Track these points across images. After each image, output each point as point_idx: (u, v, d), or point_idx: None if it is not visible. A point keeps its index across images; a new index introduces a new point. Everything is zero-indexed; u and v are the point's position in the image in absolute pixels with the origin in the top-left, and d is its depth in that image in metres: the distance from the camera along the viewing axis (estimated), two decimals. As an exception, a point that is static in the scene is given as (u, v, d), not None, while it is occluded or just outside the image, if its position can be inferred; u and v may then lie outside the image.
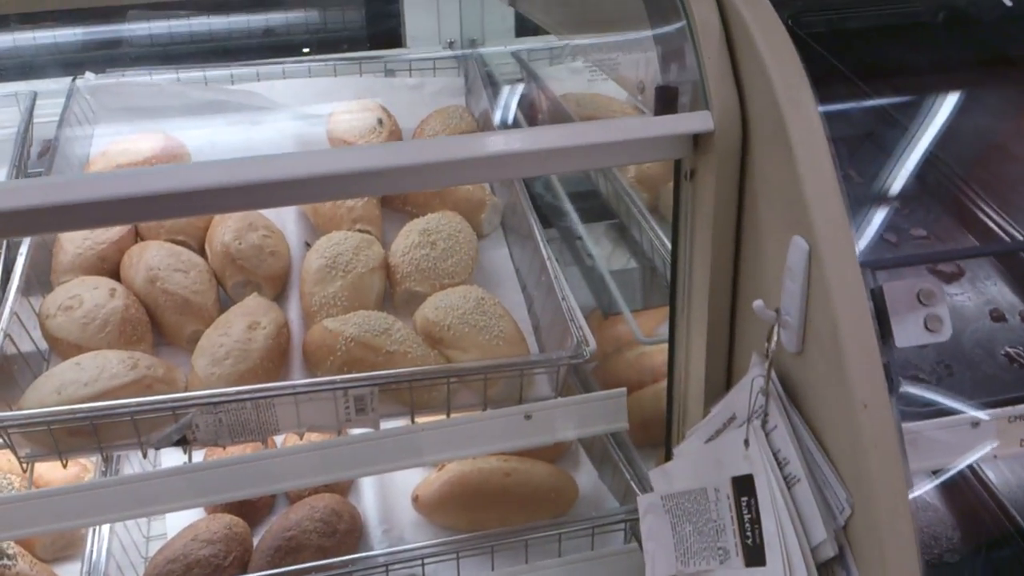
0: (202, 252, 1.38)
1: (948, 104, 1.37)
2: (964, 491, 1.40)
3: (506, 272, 1.44)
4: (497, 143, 0.94)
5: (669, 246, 1.25)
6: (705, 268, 1.01)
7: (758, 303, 0.90)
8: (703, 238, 1.01)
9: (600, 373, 1.52)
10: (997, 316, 1.24)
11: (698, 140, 0.99)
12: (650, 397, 1.43)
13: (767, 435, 0.91)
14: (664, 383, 1.19)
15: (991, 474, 1.41)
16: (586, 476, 1.49)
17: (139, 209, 0.88)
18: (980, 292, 1.28)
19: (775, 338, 0.90)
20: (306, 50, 1.81)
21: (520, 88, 1.68)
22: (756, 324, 0.97)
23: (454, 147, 0.93)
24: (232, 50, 1.77)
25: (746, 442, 0.92)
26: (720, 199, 0.97)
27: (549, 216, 1.61)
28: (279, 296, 1.36)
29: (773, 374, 0.91)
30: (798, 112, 0.88)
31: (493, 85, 1.70)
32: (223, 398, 1.11)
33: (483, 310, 1.26)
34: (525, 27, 1.87)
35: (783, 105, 0.89)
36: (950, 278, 1.30)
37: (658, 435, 1.22)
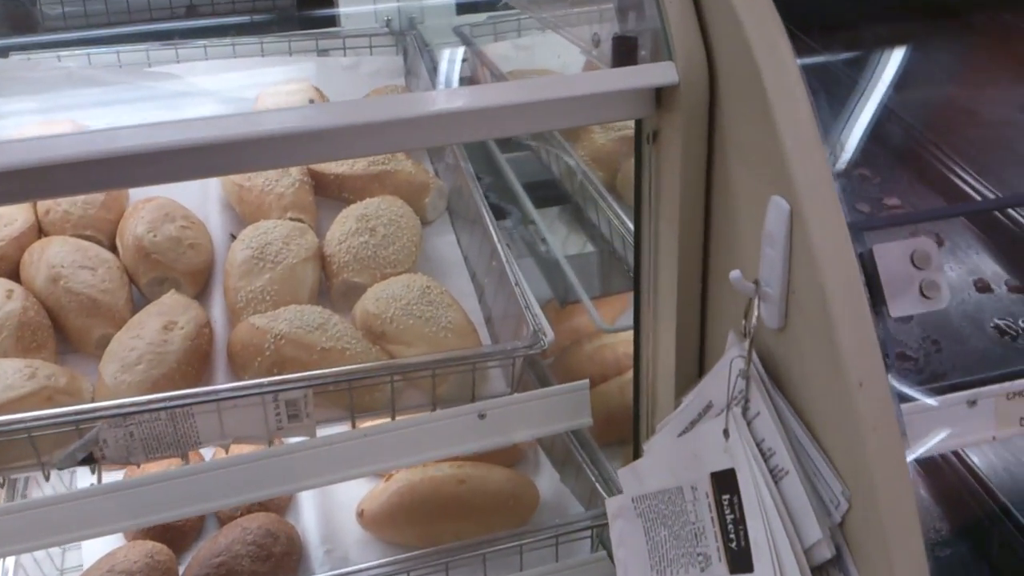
0: (113, 248, 1.24)
1: (899, 61, 1.29)
2: (950, 477, 1.32)
3: (454, 259, 1.33)
4: (438, 101, 0.83)
5: (630, 226, 1.15)
6: (672, 242, 0.91)
7: (735, 274, 0.80)
8: (670, 208, 0.91)
9: (558, 368, 1.41)
10: (982, 287, 1.15)
11: (661, 96, 0.88)
12: (614, 391, 1.32)
13: (749, 423, 0.81)
14: (629, 375, 1.09)
15: (976, 458, 1.33)
16: (547, 480, 1.37)
17: (30, 183, 0.76)
18: (961, 262, 1.20)
19: (755, 313, 0.79)
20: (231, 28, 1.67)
21: (463, 66, 1.57)
22: (731, 301, 0.86)
23: (391, 107, 0.82)
24: (151, 30, 1.62)
25: (725, 432, 0.81)
26: (687, 162, 0.87)
27: (499, 202, 1.49)
28: (201, 294, 1.22)
29: (754, 354, 0.80)
30: (773, 59, 0.78)
31: (434, 64, 1.59)
32: (133, 408, 0.98)
33: (429, 300, 1.14)
34: (465, 5, 1.76)
35: (757, 52, 0.78)
36: (930, 249, 1.21)
37: (625, 431, 1.11)
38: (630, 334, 1.03)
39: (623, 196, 1.36)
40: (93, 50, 1.52)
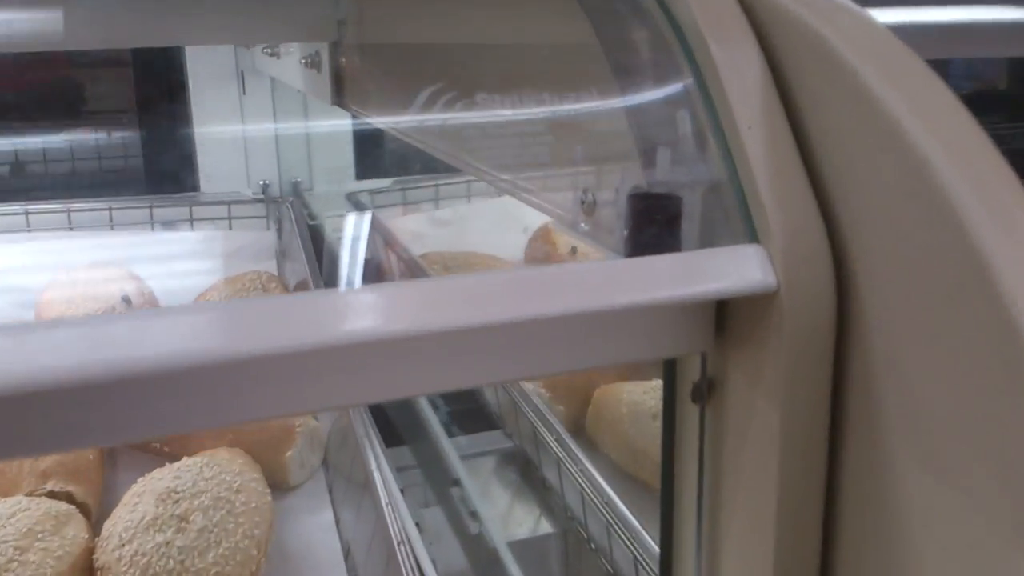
0: None
1: None
2: None
3: (328, 556, 0.81)
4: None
5: (610, 495, 0.71)
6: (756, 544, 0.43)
7: None
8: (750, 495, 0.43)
9: None
10: None
11: (726, 316, 0.42)
12: None
13: None
14: None
15: None
16: None
17: None
18: None
19: None
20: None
21: (360, 246, 1.11)
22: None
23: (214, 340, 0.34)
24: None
25: None
26: (788, 433, 0.40)
27: (405, 443, 1.01)
28: None
29: None
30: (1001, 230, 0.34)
31: (319, 243, 1.13)
32: None
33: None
34: (367, 168, 1.33)
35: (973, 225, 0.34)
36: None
37: None
38: None
39: (597, 443, 0.89)
40: None
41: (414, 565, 0.72)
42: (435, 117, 0.68)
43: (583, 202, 0.45)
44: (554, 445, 0.86)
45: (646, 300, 0.37)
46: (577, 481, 0.80)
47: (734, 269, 0.38)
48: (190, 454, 0.82)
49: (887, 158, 0.36)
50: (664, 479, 0.49)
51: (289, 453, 0.86)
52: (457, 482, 0.91)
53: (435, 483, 0.94)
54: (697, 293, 0.38)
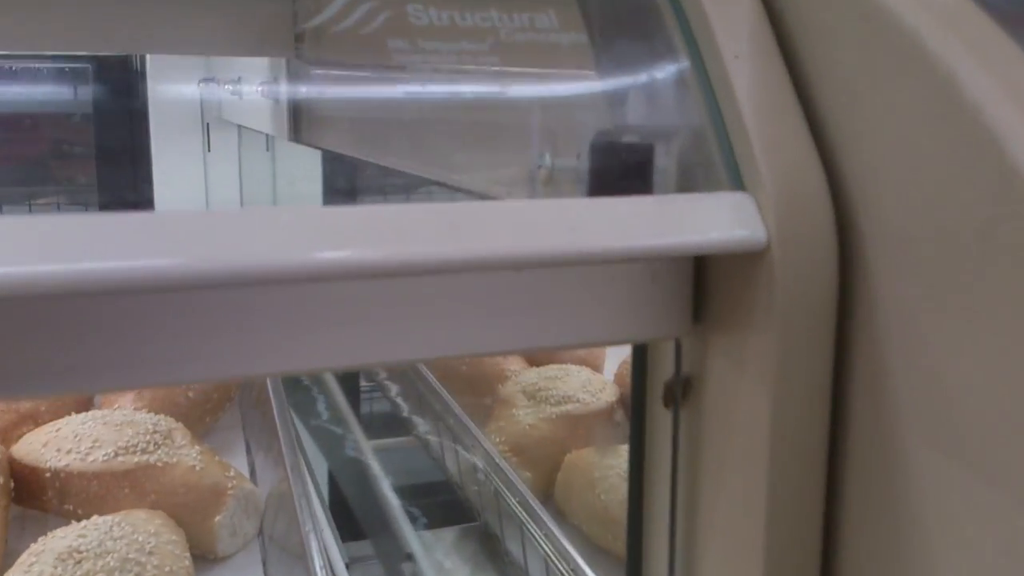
0: None
1: None
2: None
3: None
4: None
5: (585, 570, 0.62)
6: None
7: None
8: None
9: None
10: None
11: (707, 295, 0.35)
12: None
13: None
14: None
15: None
16: None
17: None
18: None
19: None
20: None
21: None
22: None
23: None
24: None
25: None
26: (780, 424, 0.32)
27: (356, 514, 0.91)
28: None
29: None
30: None
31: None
32: None
33: None
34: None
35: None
36: None
37: None
38: None
39: (567, 512, 0.80)
40: None
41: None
42: (394, 133, 0.62)
43: (540, 167, 0.39)
44: (519, 512, 0.77)
45: (608, 248, 0.30)
46: (542, 547, 0.71)
47: (715, 219, 0.31)
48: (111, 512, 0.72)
49: (904, 81, 0.30)
50: (632, 502, 0.41)
51: (218, 518, 0.76)
52: (410, 555, 0.81)
53: (386, 555, 0.84)
54: (671, 245, 0.31)
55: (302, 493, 0.73)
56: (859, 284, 0.32)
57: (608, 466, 0.76)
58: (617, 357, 0.98)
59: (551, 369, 0.91)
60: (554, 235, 0.29)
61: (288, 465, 0.77)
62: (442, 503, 0.89)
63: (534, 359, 0.99)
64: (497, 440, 0.84)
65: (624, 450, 0.78)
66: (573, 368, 0.91)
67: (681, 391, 0.37)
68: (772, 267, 0.31)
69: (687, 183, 0.34)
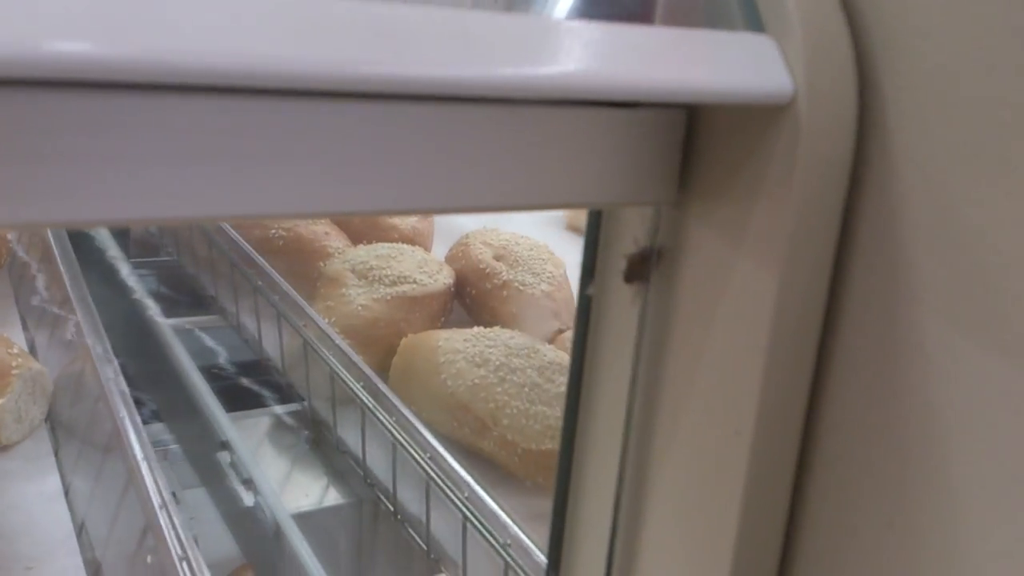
0: None
1: None
2: None
3: (54, 531, 0.61)
4: None
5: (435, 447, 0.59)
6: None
7: None
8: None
9: None
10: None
11: (694, 156, 0.31)
12: None
13: None
14: None
15: None
16: None
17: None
18: None
19: None
20: None
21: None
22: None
23: None
24: None
25: None
26: (784, 308, 0.30)
27: (156, 397, 0.82)
28: None
29: None
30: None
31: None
32: None
33: None
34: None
35: None
36: None
37: None
38: None
39: (405, 399, 0.75)
40: None
41: (176, 540, 0.55)
42: None
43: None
44: (361, 395, 0.71)
45: (592, 81, 0.25)
46: (391, 434, 0.66)
47: (732, 62, 0.27)
48: None
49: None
50: (569, 399, 0.37)
51: (2, 401, 0.65)
52: (225, 444, 0.74)
53: (198, 446, 0.76)
54: (674, 89, 0.26)
55: (111, 376, 0.63)
56: (874, 145, 0.29)
57: (454, 350, 0.72)
58: (448, 237, 0.94)
59: (382, 247, 0.85)
60: (519, 59, 0.24)
61: (90, 344, 0.66)
62: (258, 386, 0.82)
63: (358, 235, 0.92)
64: (325, 321, 0.78)
65: (468, 334, 0.75)
66: (407, 248, 0.86)
67: (657, 257, 0.33)
68: (797, 124, 0.28)
69: (687, 18, 0.30)
